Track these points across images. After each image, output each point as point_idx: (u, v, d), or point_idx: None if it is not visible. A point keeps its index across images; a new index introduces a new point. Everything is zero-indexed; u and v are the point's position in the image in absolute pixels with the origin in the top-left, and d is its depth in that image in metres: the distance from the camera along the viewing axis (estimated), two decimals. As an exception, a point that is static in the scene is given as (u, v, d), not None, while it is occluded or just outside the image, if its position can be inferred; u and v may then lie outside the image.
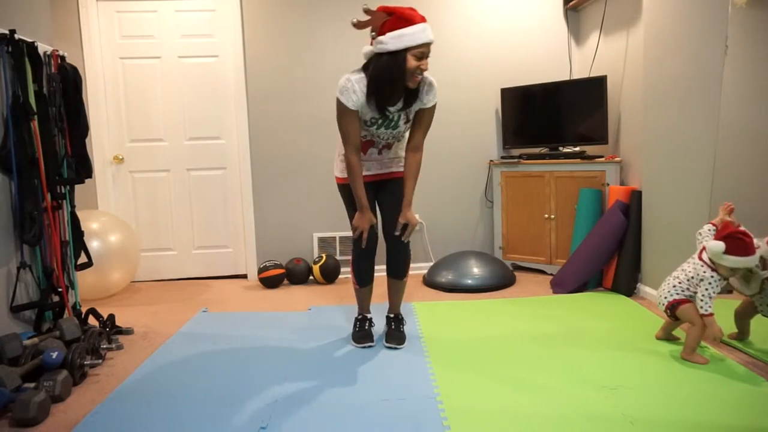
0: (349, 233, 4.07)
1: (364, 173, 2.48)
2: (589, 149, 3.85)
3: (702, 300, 2.22)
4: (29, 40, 2.45)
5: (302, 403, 1.99)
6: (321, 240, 4.06)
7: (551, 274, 3.78)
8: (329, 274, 3.84)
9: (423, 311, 3.09)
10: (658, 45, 3.03)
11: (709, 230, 2.35)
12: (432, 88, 2.34)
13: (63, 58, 2.66)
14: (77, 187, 2.78)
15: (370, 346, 2.56)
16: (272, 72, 3.93)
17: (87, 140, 2.79)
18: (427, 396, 2.01)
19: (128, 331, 2.83)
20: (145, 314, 3.21)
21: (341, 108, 2.27)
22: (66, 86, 2.64)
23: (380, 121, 2.35)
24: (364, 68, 2.27)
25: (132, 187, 3.96)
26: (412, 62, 2.16)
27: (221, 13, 3.87)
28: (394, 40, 2.13)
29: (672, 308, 2.36)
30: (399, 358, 2.39)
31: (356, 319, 2.71)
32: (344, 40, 3.94)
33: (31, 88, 2.44)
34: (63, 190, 2.67)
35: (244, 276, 4.09)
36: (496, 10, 4.04)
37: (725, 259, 2.17)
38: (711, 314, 2.21)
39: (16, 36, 2.36)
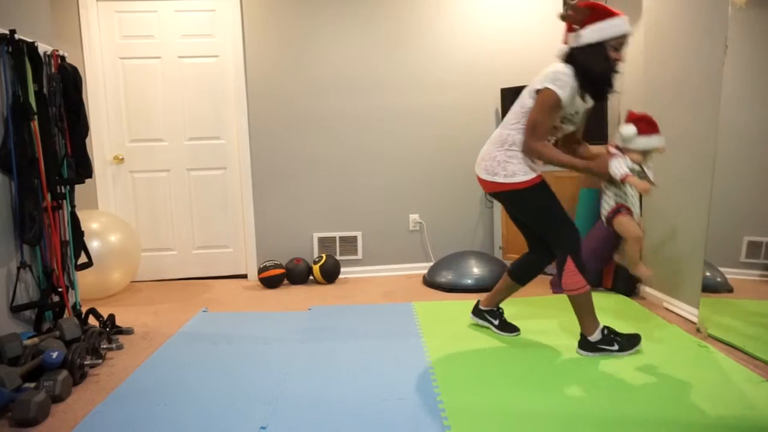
0: (350, 233, 4.08)
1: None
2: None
3: (616, 168, 2.26)
4: (29, 40, 2.45)
5: (302, 403, 1.99)
6: (321, 240, 4.06)
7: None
8: (329, 274, 3.84)
9: (423, 311, 3.09)
10: (658, 45, 3.03)
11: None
12: None
13: (63, 58, 2.66)
14: (77, 187, 2.78)
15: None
16: (272, 72, 3.93)
17: (87, 140, 2.79)
18: (427, 396, 2.02)
19: (128, 331, 2.84)
20: (145, 314, 3.21)
21: (553, 99, 2.23)
22: (66, 86, 2.64)
23: (574, 118, 2.36)
24: (568, 62, 2.29)
25: (132, 187, 3.96)
26: (611, 53, 2.23)
27: (221, 13, 3.87)
28: (594, 32, 2.22)
29: (610, 220, 2.45)
30: (399, 358, 2.39)
31: (608, 332, 2.37)
32: (344, 40, 3.95)
33: (31, 88, 2.44)
34: (63, 190, 2.67)
35: (244, 276, 4.09)
36: (496, 9, 4.04)
37: (638, 141, 2.29)
38: (627, 174, 2.25)
39: (16, 36, 2.36)
